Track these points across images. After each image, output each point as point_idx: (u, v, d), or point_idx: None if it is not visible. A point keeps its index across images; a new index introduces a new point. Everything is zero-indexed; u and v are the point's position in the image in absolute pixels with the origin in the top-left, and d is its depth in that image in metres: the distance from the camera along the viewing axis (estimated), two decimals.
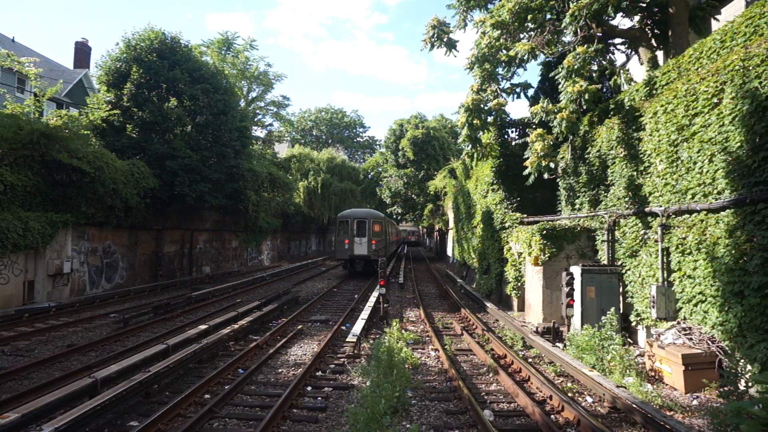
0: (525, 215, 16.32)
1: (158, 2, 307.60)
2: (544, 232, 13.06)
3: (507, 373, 8.64)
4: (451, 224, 34.15)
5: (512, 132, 20.35)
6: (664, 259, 9.59)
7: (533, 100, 17.31)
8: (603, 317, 9.61)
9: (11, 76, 24.91)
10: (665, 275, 9.57)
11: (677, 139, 9.24)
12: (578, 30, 12.72)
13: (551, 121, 12.67)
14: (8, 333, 11.62)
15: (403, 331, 11.71)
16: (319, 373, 9.02)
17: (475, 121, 14.98)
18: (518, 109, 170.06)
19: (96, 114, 20.62)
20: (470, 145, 15.67)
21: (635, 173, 10.86)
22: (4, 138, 15.16)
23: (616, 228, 11.72)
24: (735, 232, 7.63)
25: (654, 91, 10.83)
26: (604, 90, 16.02)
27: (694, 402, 7.40)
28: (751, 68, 7.44)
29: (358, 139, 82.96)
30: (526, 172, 13.41)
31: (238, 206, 26.74)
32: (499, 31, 14.42)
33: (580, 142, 13.61)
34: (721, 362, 7.74)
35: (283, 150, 54.12)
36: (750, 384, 6.68)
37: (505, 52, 14.76)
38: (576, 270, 11.24)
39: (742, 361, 7.22)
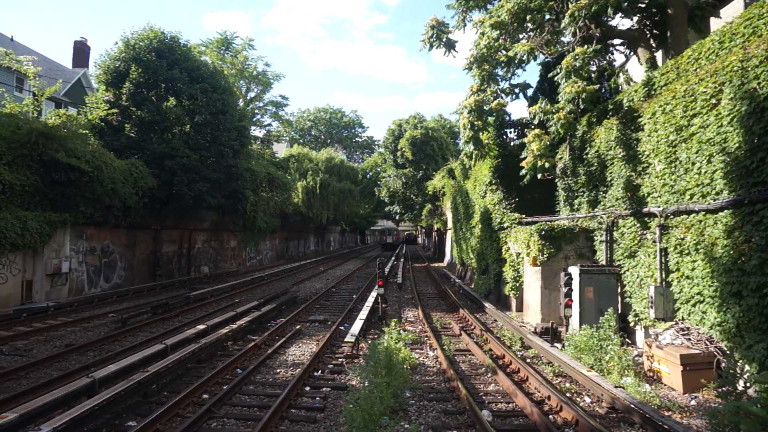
0: (523, 215, 16.33)
1: (154, 2, 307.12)
2: (543, 232, 13.06)
3: (505, 374, 8.64)
4: (450, 224, 34.16)
5: (511, 132, 20.38)
6: (663, 260, 9.60)
7: (532, 101, 17.33)
8: (601, 317, 9.62)
9: (10, 75, 24.85)
10: (663, 276, 9.58)
11: (676, 140, 9.26)
12: (577, 30, 12.73)
13: (549, 121, 12.69)
14: (6, 332, 11.60)
15: (401, 331, 11.70)
16: (317, 373, 9.01)
17: (477, 122, 14.99)
18: (517, 109, 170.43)
19: (94, 113, 20.61)
20: (473, 146, 15.67)
21: (634, 174, 10.87)
22: (2, 137, 15.13)
23: (615, 228, 11.74)
24: (733, 233, 7.64)
25: (653, 92, 10.85)
26: (603, 90, 16.04)
27: (693, 402, 7.41)
28: (749, 69, 7.45)
29: (356, 139, 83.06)
30: (522, 171, 13.41)
31: (236, 206, 26.72)
32: (498, 32, 14.43)
33: (579, 143, 13.62)
34: (720, 362, 7.75)
35: (281, 150, 54.08)
36: (748, 384, 6.70)
37: (504, 52, 14.77)
38: (574, 270, 11.25)
39: (741, 361, 7.24)
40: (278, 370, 9.16)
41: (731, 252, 7.61)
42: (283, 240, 41.14)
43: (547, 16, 14.41)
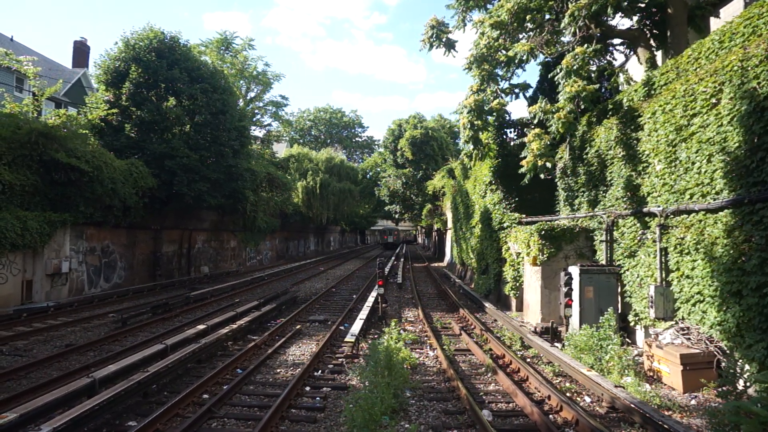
0: (523, 215, 16.33)
1: (154, 2, 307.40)
2: (543, 232, 13.06)
3: (505, 373, 8.64)
4: (450, 224, 34.16)
5: (511, 132, 20.35)
6: (663, 259, 9.60)
7: (532, 101, 17.32)
8: (601, 317, 9.62)
9: (10, 75, 24.86)
10: (663, 275, 9.58)
11: (676, 140, 9.26)
12: (577, 30, 12.73)
13: (549, 121, 12.69)
14: (6, 333, 11.60)
15: (401, 331, 11.71)
16: (317, 373, 9.02)
17: (477, 122, 14.99)
18: (517, 109, 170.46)
19: (94, 113, 20.61)
20: (473, 146, 15.67)
21: (634, 173, 10.87)
22: (2, 137, 15.14)
23: (615, 228, 11.74)
24: (733, 232, 7.64)
25: (652, 92, 10.85)
26: (603, 90, 16.03)
27: (693, 402, 7.41)
28: (749, 68, 7.45)
29: (356, 139, 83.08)
30: (522, 170, 13.41)
31: (236, 206, 26.72)
32: (498, 32, 14.42)
33: (579, 142, 13.62)
34: (720, 362, 7.76)
35: (281, 150, 54.07)
36: (748, 383, 6.70)
37: (504, 52, 14.77)
38: (574, 270, 11.25)
39: (741, 360, 7.24)
40: (278, 370, 9.16)
41: (731, 251, 7.61)
42: (283, 240, 41.14)
43: (547, 16, 14.40)
